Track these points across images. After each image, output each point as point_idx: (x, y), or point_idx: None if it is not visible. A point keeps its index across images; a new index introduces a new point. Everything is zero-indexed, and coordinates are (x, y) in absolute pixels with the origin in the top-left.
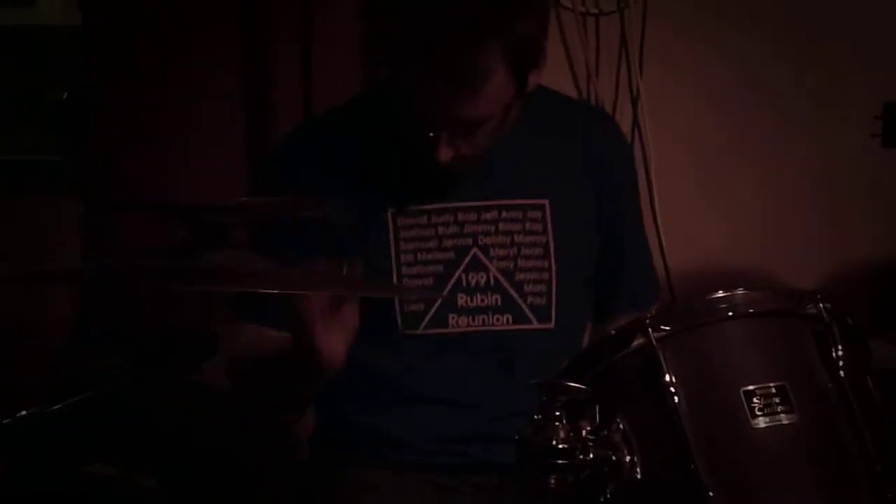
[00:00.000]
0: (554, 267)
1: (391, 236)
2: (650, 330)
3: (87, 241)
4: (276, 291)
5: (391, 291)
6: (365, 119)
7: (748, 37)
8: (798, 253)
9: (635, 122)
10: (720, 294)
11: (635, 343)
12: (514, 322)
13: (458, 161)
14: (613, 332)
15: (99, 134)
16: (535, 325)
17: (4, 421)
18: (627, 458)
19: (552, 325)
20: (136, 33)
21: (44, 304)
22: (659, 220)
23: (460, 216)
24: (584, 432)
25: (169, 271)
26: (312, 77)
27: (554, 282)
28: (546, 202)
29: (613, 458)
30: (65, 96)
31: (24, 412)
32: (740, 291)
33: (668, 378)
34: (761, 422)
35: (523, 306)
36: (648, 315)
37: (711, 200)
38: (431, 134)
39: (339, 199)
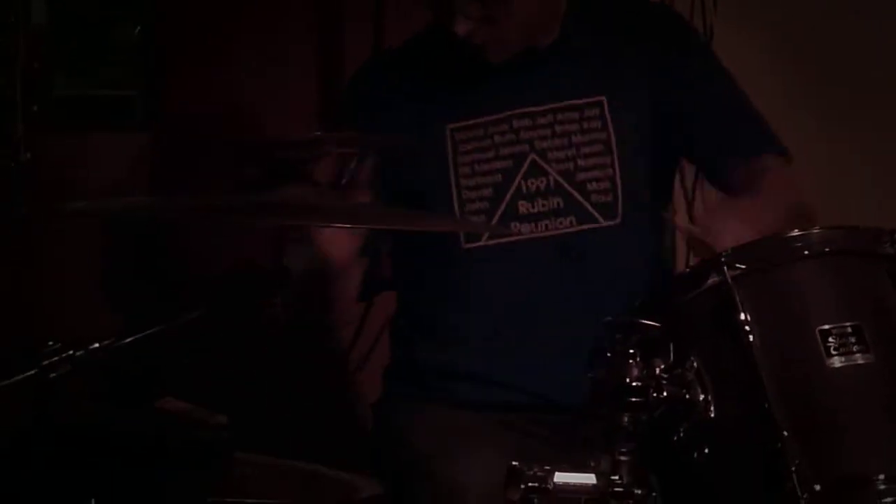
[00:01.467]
0: (617, 162)
1: (449, 151)
2: (725, 268)
3: (158, 177)
4: (346, 226)
5: (447, 225)
6: (424, 46)
7: None
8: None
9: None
10: (796, 232)
11: (710, 281)
12: (579, 223)
13: (479, 41)
14: (688, 269)
15: (171, 69)
16: (602, 223)
17: (78, 353)
18: (701, 397)
19: (619, 220)
20: None
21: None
22: None
23: (515, 123)
24: (657, 370)
25: (240, 207)
26: (384, 15)
27: (618, 177)
28: (603, 98)
29: (687, 396)
30: (137, 31)
31: (96, 344)
32: (816, 230)
33: (742, 316)
34: (836, 361)
35: (587, 205)
36: (723, 253)
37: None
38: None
39: (403, 125)
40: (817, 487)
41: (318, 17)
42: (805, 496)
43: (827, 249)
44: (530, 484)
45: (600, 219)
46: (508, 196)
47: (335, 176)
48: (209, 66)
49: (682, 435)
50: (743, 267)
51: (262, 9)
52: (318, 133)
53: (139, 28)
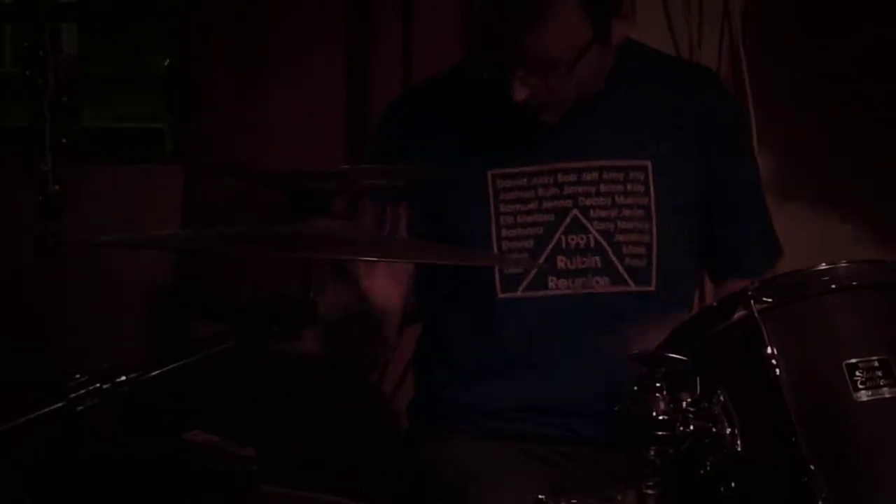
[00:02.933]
0: (655, 230)
1: (491, 198)
2: (752, 301)
3: (188, 209)
4: (374, 259)
5: (487, 260)
6: (461, 84)
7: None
8: None
9: (739, 95)
10: (823, 266)
11: (737, 315)
12: (613, 284)
13: (535, 104)
14: (715, 303)
15: (200, 102)
16: (633, 287)
17: (104, 386)
18: (728, 431)
19: (652, 287)
20: (237, 2)
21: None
22: None
23: (560, 177)
24: (684, 404)
25: (268, 239)
26: (412, 49)
27: (655, 244)
28: (648, 163)
29: (714, 430)
30: (166, 64)
31: (122, 377)
32: (843, 264)
33: (769, 350)
34: (864, 395)
35: (620, 268)
36: (750, 287)
37: (815, 178)
38: (506, 71)
39: (439, 164)
40: None
41: (348, 48)
42: None
43: (854, 283)
44: None
45: (631, 283)
46: (549, 249)
47: (373, 221)
48: (238, 98)
49: (708, 469)
50: (770, 300)
51: (292, 41)
52: (348, 166)
53: (168, 61)
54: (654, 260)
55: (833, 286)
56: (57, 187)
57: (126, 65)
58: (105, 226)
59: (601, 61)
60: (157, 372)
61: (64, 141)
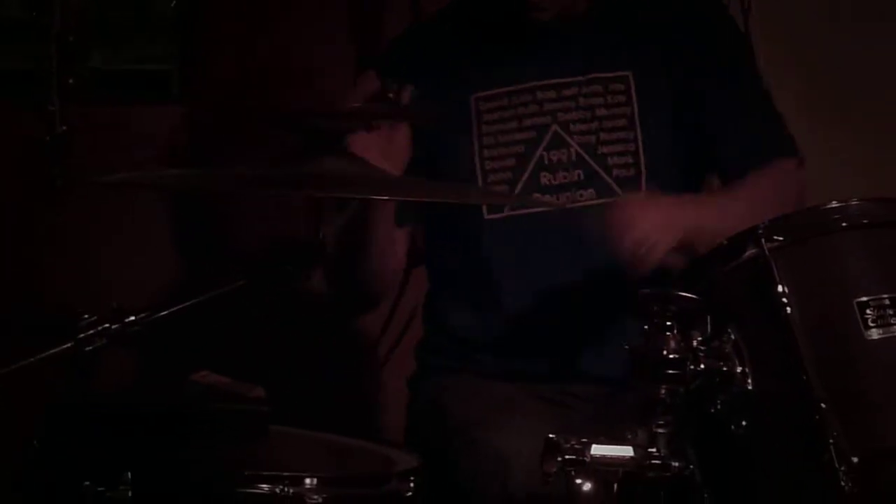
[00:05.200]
0: (640, 137)
1: (474, 121)
2: (763, 240)
3: (195, 150)
4: (385, 198)
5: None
6: (463, 10)
7: None
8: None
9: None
10: (834, 204)
11: (748, 253)
12: (599, 196)
13: None
14: (726, 241)
15: (208, 43)
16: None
17: (114, 326)
18: (738, 370)
19: (642, 195)
20: None
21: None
22: None
23: (539, 94)
24: (695, 343)
25: (276, 179)
26: None
27: (641, 152)
28: (629, 74)
29: (724, 369)
30: (173, 5)
31: (132, 317)
32: (854, 202)
33: (780, 289)
34: (875, 333)
35: (608, 179)
36: (761, 225)
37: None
38: None
39: (430, 95)
40: (854, 459)
41: None
42: (843, 468)
43: (865, 221)
44: (567, 456)
45: (621, 193)
46: (531, 167)
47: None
48: (245, 37)
49: (719, 407)
50: (780, 239)
51: None
52: (357, 104)
53: (175, 1)
54: (643, 168)
55: (844, 224)
56: (64, 128)
57: (134, 6)
58: (111, 167)
59: None
60: (166, 312)
61: (71, 82)
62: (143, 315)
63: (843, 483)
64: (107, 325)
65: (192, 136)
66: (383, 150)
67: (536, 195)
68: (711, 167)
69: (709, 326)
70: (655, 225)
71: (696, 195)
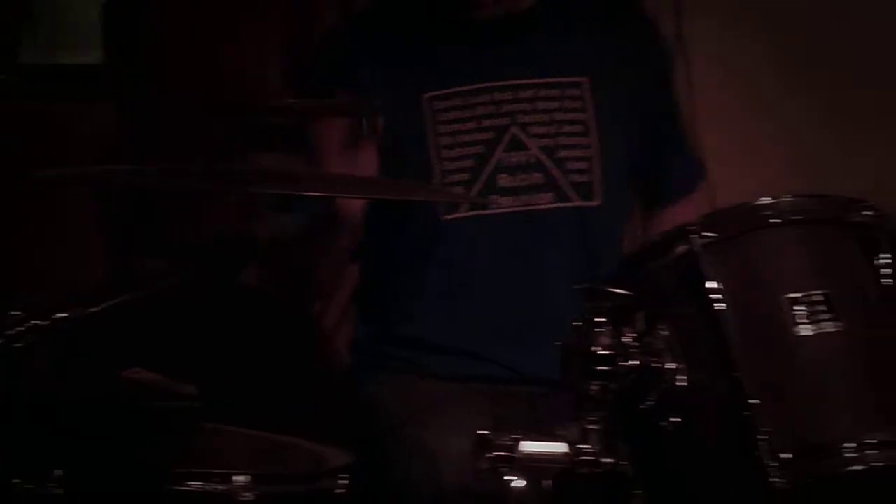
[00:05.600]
0: (595, 145)
1: (428, 121)
2: (694, 236)
3: (128, 145)
4: (318, 194)
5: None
6: (396, 9)
7: None
8: (851, 167)
9: (678, 37)
10: (766, 200)
11: (679, 249)
12: (557, 200)
13: None
14: (658, 237)
15: (137, 38)
16: (579, 202)
17: (42, 323)
18: (671, 366)
19: (596, 202)
20: None
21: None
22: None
23: (496, 95)
24: (627, 339)
25: (211, 174)
26: None
27: (596, 159)
28: (586, 79)
29: (656, 365)
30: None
31: (64, 314)
32: (786, 198)
33: (711, 284)
34: (805, 329)
35: (565, 183)
36: (693, 221)
37: (756, 121)
38: None
39: (377, 88)
40: (785, 455)
41: None
42: (773, 464)
43: (796, 217)
44: (498, 453)
45: (577, 198)
46: (489, 168)
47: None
48: (176, 32)
49: (652, 403)
50: (712, 235)
51: None
52: (291, 100)
53: None
54: (597, 175)
55: (776, 220)
56: None
57: (62, 1)
58: (40, 164)
59: None
60: (97, 308)
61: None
62: (73, 311)
63: (773, 478)
64: (36, 321)
65: (121, 132)
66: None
67: (494, 197)
68: (640, 186)
69: (641, 322)
70: None
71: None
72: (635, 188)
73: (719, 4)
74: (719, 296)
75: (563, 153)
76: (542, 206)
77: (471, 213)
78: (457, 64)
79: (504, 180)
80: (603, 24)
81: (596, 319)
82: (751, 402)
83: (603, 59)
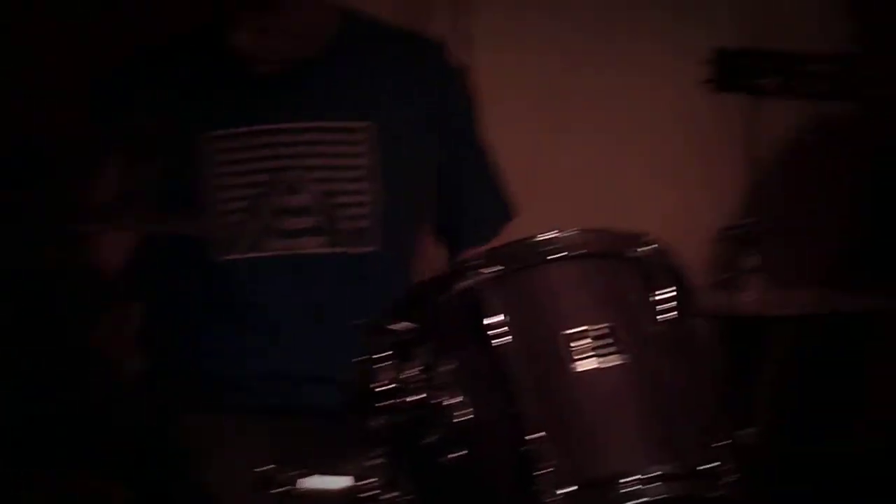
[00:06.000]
0: (375, 192)
1: (207, 161)
2: (476, 270)
3: None
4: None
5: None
6: (188, 47)
7: None
8: (633, 199)
9: (468, 66)
10: (547, 235)
11: (462, 283)
12: (331, 244)
13: (254, 52)
14: (441, 272)
15: None
16: (355, 247)
17: None
18: (455, 400)
19: (372, 249)
20: None
21: None
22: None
23: (277, 138)
24: (412, 373)
25: None
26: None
27: (375, 206)
28: (370, 125)
29: (441, 399)
30: None
31: None
32: (566, 233)
33: (492, 320)
34: (585, 364)
35: (341, 229)
36: (474, 256)
37: (545, 145)
38: (226, 13)
39: (155, 126)
40: (565, 490)
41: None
42: (554, 498)
43: (577, 252)
44: (280, 489)
45: (353, 243)
46: (266, 211)
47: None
48: None
49: (436, 438)
50: (494, 269)
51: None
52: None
53: None
54: (375, 222)
55: (556, 255)
56: None
57: None
58: None
59: (321, 11)
60: None
61: None
62: None
63: None
64: None
65: None
66: None
67: (269, 240)
68: (441, 231)
69: (424, 357)
70: None
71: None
72: (432, 232)
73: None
74: (501, 330)
75: (340, 199)
76: (316, 251)
77: (248, 255)
78: (238, 106)
79: (280, 223)
80: (389, 68)
81: (379, 355)
82: (532, 436)
83: (387, 104)
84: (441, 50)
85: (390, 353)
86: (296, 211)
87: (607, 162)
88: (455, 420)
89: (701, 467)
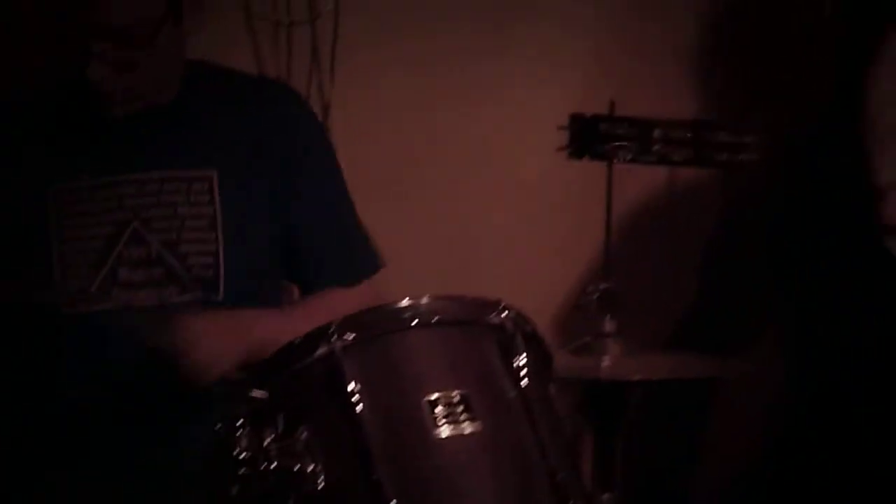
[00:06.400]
0: (221, 239)
1: (51, 213)
2: (334, 337)
3: None
4: None
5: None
6: (41, 94)
7: (443, 45)
8: (491, 265)
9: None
10: (405, 302)
11: (319, 351)
12: (180, 294)
13: (110, 90)
14: (298, 340)
15: None
16: (202, 296)
17: None
18: (311, 468)
19: (221, 297)
20: None
21: None
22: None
23: (120, 189)
24: (266, 441)
25: None
26: None
27: (221, 254)
28: (214, 173)
29: (297, 467)
30: None
31: None
32: (425, 300)
33: (351, 386)
34: (444, 431)
35: (189, 278)
36: (333, 323)
37: (404, 211)
38: (82, 47)
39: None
40: None
41: None
42: None
43: (435, 319)
44: None
45: (201, 293)
46: (109, 263)
47: None
48: None
49: None
50: (352, 336)
51: None
52: None
53: None
54: (222, 270)
55: (415, 322)
56: None
57: None
58: None
59: (177, 46)
60: None
61: None
62: None
63: None
64: None
65: None
66: None
67: (113, 292)
68: (295, 275)
69: (281, 424)
70: (219, 341)
71: (273, 308)
72: (288, 276)
73: None
74: (359, 397)
75: (185, 248)
76: (166, 301)
77: (94, 308)
78: (83, 158)
79: (125, 275)
80: (238, 114)
81: (235, 421)
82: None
83: (234, 151)
84: (294, 95)
85: (247, 419)
86: (142, 262)
87: (463, 229)
88: (311, 489)
89: None
